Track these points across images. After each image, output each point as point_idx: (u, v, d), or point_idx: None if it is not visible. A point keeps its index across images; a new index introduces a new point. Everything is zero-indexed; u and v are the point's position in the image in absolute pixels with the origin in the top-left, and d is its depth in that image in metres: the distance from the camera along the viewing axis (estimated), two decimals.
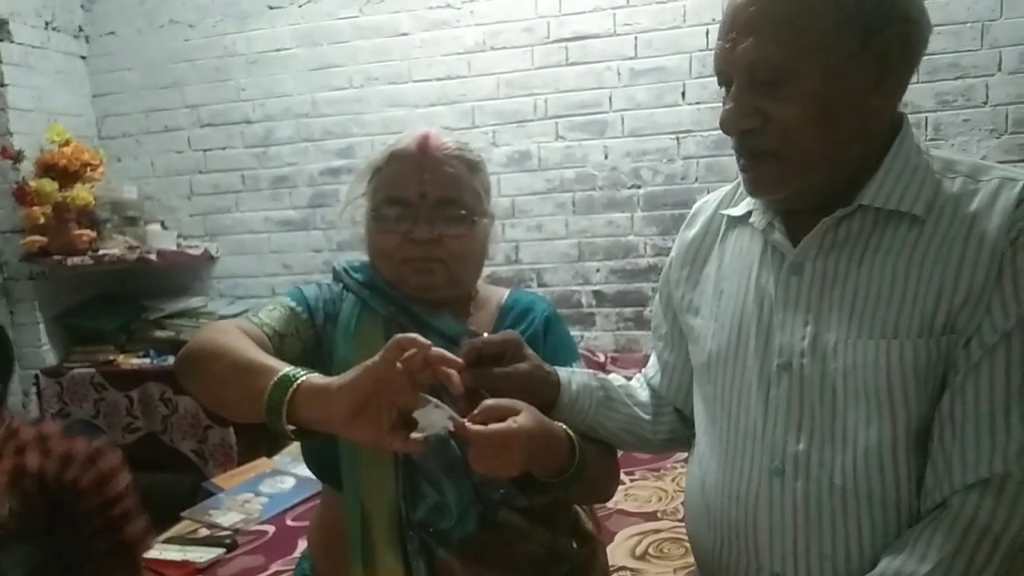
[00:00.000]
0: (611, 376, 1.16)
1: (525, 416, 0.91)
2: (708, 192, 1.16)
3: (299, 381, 0.86)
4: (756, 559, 0.91)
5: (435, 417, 0.87)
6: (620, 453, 1.17)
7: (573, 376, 1.07)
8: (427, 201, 1.09)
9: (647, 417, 1.14)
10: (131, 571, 1.34)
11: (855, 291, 0.87)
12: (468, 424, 0.88)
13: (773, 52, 0.84)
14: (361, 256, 1.20)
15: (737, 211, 1.03)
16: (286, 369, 0.88)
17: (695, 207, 1.15)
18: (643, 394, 1.17)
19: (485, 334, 1.09)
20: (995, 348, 0.80)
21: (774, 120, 0.86)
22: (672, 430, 1.15)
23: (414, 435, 0.86)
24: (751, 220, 0.99)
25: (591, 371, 1.13)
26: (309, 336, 1.12)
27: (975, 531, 0.78)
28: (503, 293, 1.24)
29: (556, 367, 1.07)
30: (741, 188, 1.04)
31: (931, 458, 0.83)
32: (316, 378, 0.87)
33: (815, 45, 0.83)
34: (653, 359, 1.20)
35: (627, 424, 1.11)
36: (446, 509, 1.04)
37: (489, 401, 0.92)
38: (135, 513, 1.33)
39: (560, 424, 1.00)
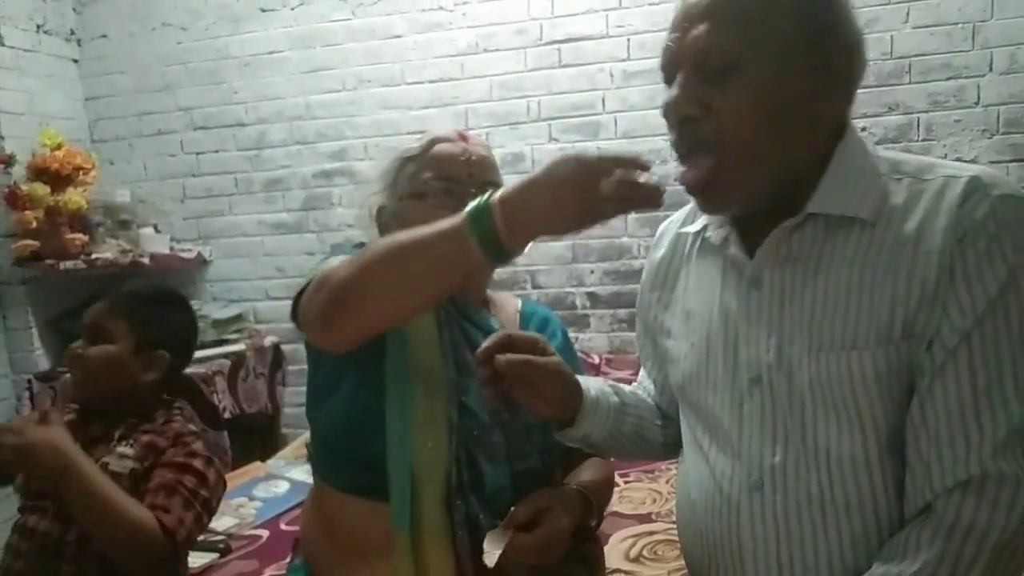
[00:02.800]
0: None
1: (559, 510, 1.03)
2: None
3: (494, 201, 0.85)
4: (742, 572, 0.91)
5: (496, 536, 1.00)
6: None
7: (588, 382, 1.08)
8: (473, 181, 1.15)
9: (658, 422, 1.14)
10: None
11: (813, 302, 0.87)
12: (518, 535, 0.99)
13: (726, 38, 0.84)
14: None
15: (694, 228, 1.03)
16: (468, 207, 0.87)
17: (660, 228, 1.15)
18: (649, 400, 1.18)
19: None
20: (957, 349, 0.79)
21: (716, 111, 0.85)
22: (677, 434, 1.15)
23: (486, 558, 0.97)
24: (707, 235, 0.99)
25: (598, 377, 1.15)
26: None
27: (960, 531, 0.78)
28: (517, 301, 1.30)
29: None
30: None
31: (909, 465, 0.82)
32: (505, 191, 0.86)
33: (768, 38, 0.84)
34: (643, 375, 1.21)
35: (639, 428, 1.11)
36: (483, 480, 1.07)
37: (521, 506, 1.03)
38: (187, 506, 1.41)
39: (573, 488, 1.11)
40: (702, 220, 1.02)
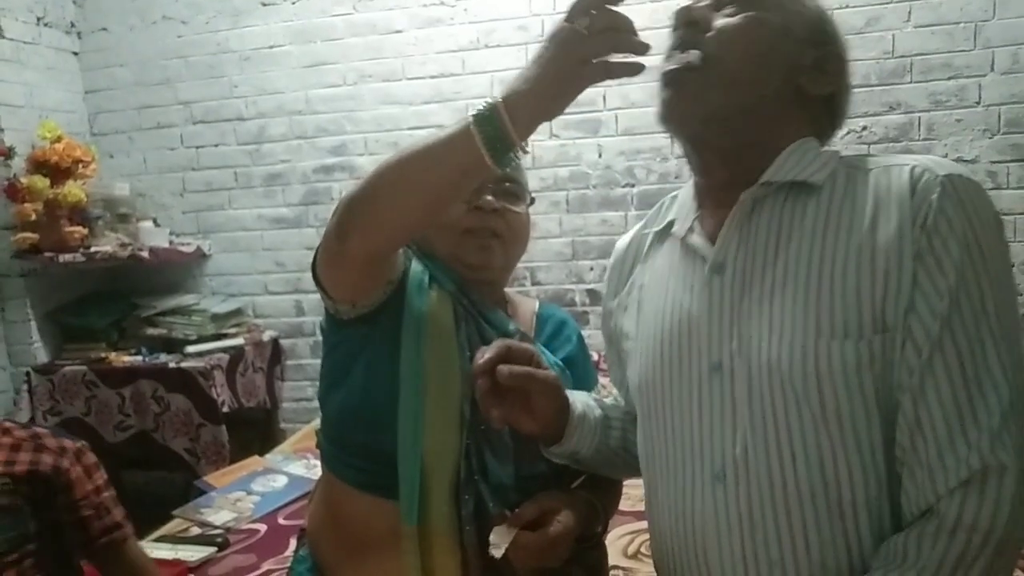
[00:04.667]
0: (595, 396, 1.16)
1: (565, 513, 1.01)
2: None
3: (499, 101, 0.87)
4: (708, 571, 0.89)
5: (503, 531, 0.99)
6: None
7: (574, 396, 1.07)
8: (491, 174, 1.09)
9: None
10: (120, 554, 1.51)
11: (773, 285, 0.87)
12: (522, 533, 0.98)
13: None
14: None
15: (658, 226, 1.04)
16: (472, 111, 0.88)
17: (618, 244, 1.16)
18: (627, 411, 1.16)
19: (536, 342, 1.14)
20: (942, 341, 0.79)
21: (719, 28, 0.90)
22: None
23: (492, 550, 0.97)
24: (673, 230, 1.00)
25: (582, 392, 1.13)
26: (402, 264, 1.12)
27: (963, 531, 0.77)
28: (534, 303, 1.29)
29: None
30: (664, 208, 1.07)
31: (906, 466, 0.81)
32: (505, 90, 0.88)
33: (786, 3, 0.92)
34: (616, 394, 1.20)
35: (624, 442, 1.10)
36: (487, 473, 1.06)
37: (528, 505, 1.02)
38: (116, 503, 1.51)
39: (581, 493, 1.09)
40: (668, 217, 1.03)
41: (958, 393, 0.79)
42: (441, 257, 1.15)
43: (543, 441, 1.05)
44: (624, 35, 0.85)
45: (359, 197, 0.96)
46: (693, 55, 0.89)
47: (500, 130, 0.86)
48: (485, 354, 0.96)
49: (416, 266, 1.14)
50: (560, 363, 1.18)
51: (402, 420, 1.04)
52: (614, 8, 0.85)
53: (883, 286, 0.81)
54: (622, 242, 1.14)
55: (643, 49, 0.86)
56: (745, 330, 0.87)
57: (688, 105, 0.91)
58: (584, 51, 0.84)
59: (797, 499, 0.83)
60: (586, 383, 1.21)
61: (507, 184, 1.17)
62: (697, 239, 0.95)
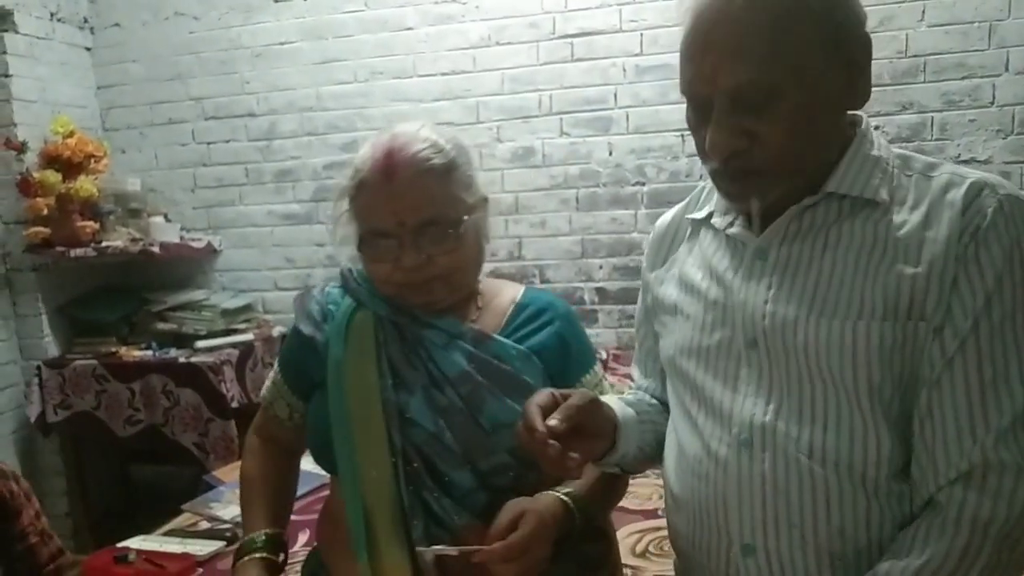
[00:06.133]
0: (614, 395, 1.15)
1: (531, 516, 0.96)
2: None
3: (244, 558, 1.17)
4: (727, 532, 0.91)
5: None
6: None
7: (608, 401, 1.04)
8: (407, 227, 1.06)
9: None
10: None
11: (818, 276, 0.89)
12: (493, 547, 0.93)
13: (759, 74, 0.83)
14: None
15: (700, 214, 1.05)
16: (245, 539, 1.21)
17: (659, 221, 1.17)
18: (655, 401, 1.16)
19: (496, 335, 1.11)
20: (965, 344, 0.81)
21: (760, 140, 0.86)
22: None
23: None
24: (713, 221, 1.01)
25: (609, 396, 1.11)
26: (300, 379, 1.21)
27: (964, 525, 0.79)
28: (517, 290, 1.21)
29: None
30: (705, 193, 1.07)
31: (915, 453, 0.84)
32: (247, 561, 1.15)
33: (797, 62, 0.83)
34: (639, 376, 1.20)
35: (656, 436, 1.09)
36: (450, 491, 1.04)
37: (501, 516, 0.97)
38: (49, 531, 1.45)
39: (551, 495, 1.03)
40: (708, 207, 1.04)
41: (972, 394, 0.81)
42: (386, 294, 1.13)
43: (595, 458, 1.01)
44: None
45: None
46: (753, 182, 0.89)
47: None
48: (533, 425, 0.88)
49: (345, 304, 1.15)
50: (526, 351, 1.12)
51: (339, 462, 1.06)
52: None
53: (925, 278, 0.83)
54: (663, 220, 1.16)
55: None
56: (780, 307, 0.89)
57: (757, 198, 0.91)
58: None
59: (821, 468, 0.86)
60: (568, 369, 1.15)
61: (429, 228, 1.06)
62: (741, 231, 0.96)
